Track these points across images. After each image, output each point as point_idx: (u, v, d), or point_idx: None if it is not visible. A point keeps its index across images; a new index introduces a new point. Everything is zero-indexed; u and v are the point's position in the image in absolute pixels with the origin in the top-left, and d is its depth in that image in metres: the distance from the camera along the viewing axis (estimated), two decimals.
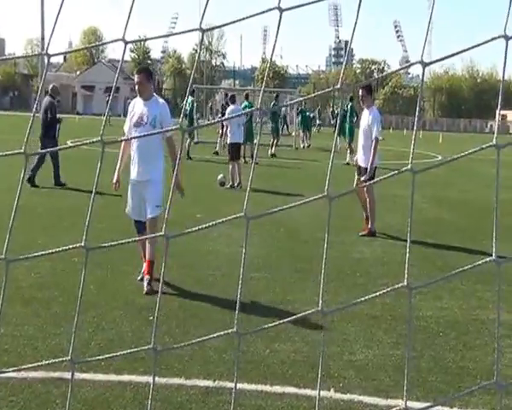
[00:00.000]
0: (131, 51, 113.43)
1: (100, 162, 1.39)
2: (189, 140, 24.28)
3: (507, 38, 1.37)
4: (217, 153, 26.66)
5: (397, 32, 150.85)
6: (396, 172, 1.49)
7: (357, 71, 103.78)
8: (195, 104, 26.00)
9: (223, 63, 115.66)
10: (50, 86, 16.37)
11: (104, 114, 1.62)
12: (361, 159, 11.06)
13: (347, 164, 23.39)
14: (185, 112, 24.93)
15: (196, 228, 1.49)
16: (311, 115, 36.15)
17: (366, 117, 11.06)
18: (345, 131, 25.88)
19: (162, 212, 7.37)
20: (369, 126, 10.90)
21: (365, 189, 10.89)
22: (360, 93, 11.12)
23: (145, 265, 7.44)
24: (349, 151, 24.64)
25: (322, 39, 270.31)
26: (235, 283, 1.43)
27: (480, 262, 1.50)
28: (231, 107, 17.56)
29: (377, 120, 10.93)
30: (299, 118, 33.82)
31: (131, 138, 8.15)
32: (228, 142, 16.74)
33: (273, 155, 26.69)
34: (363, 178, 10.84)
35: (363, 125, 11.11)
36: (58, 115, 15.57)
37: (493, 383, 1.53)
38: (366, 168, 10.78)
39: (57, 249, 1.54)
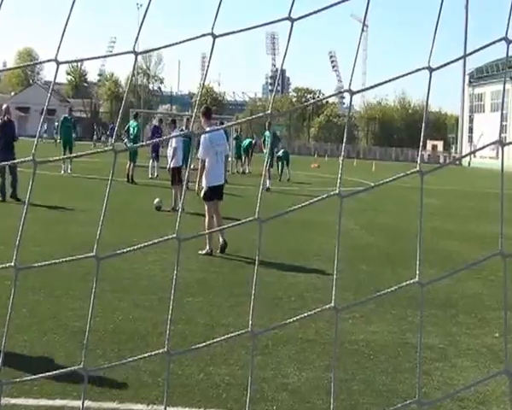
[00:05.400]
0: (68, 74, 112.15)
1: (31, 182, 1.40)
2: (132, 164, 23.83)
3: (430, 69, 1.45)
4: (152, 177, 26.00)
5: (332, 62, 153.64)
6: (324, 196, 1.54)
7: (294, 99, 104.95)
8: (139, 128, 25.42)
9: (160, 88, 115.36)
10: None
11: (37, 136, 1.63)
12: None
13: (268, 189, 23.07)
14: (130, 136, 24.63)
15: (127, 249, 1.51)
16: (253, 141, 35.79)
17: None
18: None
19: None
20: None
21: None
22: (200, 118, 11.56)
23: None
24: (268, 176, 24.61)
25: (259, 67, 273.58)
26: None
27: (404, 284, 1.57)
28: (176, 131, 17.50)
29: (203, 142, 11.33)
30: (234, 144, 33.52)
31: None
32: (172, 166, 16.63)
33: (226, 181, 26.15)
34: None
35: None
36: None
37: (415, 401, 1.59)
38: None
39: None
